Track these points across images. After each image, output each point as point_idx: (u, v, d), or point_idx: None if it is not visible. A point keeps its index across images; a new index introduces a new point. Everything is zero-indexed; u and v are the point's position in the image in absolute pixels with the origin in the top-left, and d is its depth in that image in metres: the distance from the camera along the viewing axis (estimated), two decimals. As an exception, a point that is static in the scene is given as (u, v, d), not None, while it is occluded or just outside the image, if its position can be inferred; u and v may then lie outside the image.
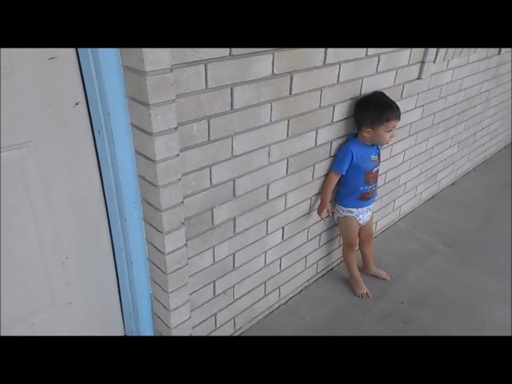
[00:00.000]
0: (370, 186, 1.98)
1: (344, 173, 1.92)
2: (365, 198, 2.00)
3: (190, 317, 1.63)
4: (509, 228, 2.69)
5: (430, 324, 1.96)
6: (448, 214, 2.85)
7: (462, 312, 2.04)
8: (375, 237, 2.56)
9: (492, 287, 2.20)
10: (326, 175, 1.95)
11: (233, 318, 1.87)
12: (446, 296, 2.13)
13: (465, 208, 2.93)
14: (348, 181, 1.96)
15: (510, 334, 1.91)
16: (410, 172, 2.62)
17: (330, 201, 2.01)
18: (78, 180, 1.37)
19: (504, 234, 2.64)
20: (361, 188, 1.96)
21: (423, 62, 2.12)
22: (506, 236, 2.62)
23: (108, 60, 1.16)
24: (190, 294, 1.61)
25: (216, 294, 1.73)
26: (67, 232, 1.41)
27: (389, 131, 1.82)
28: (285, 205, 1.83)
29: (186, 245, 1.49)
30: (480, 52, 2.67)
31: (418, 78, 2.17)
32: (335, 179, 1.95)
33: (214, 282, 1.70)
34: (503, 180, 3.31)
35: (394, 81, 2.03)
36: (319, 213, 2.00)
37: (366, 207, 2.06)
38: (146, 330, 1.68)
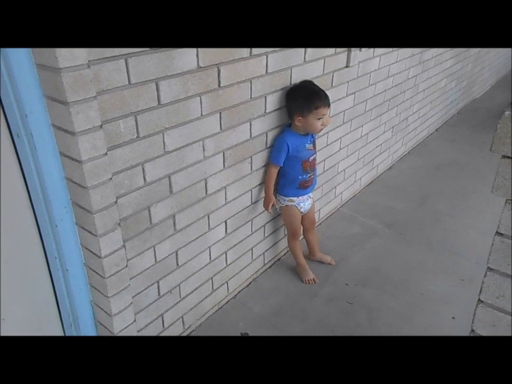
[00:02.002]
0: (308, 175, 2.02)
1: (282, 165, 1.95)
2: (304, 187, 2.04)
3: (134, 320, 1.59)
4: (441, 206, 2.85)
5: (373, 302, 2.04)
6: (387, 196, 2.98)
7: (402, 288, 2.13)
8: (320, 224, 2.63)
9: (428, 262, 2.32)
10: (265, 167, 1.97)
11: (182, 317, 1.84)
12: (387, 274, 2.23)
13: (402, 190, 3.07)
14: (286, 171, 1.99)
15: (445, 304, 2.02)
16: (348, 158, 2.70)
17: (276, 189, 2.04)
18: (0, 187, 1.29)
19: (438, 212, 2.79)
20: (300, 177, 2.00)
21: (349, 50, 2.19)
22: (439, 213, 2.78)
23: (18, 57, 1.10)
24: (133, 297, 1.57)
25: (161, 294, 1.70)
26: (-8, 244, 1.33)
27: (319, 119, 1.86)
28: (225, 198, 1.83)
29: (124, 246, 1.45)
30: (405, 40, 2.79)
31: (346, 66, 2.24)
32: (274, 172, 1.97)
33: (158, 282, 1.66)
34: (435, 161, 3.50)
35: (323, 70, 2.08)
36: (266, 207, 2.02)
37: (306, 195, 2.10)
38: (90, 338, 1.62)
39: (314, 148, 2.02)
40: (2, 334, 1.44)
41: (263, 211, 2.07)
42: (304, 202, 2.09)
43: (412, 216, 2.75)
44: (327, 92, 1.88)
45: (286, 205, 2.08)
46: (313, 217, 2.26)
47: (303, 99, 1.83)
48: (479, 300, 0.88)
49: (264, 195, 2.02)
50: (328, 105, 1.87)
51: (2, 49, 1.09)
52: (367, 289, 2.13)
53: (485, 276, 0.85)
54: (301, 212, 2.11)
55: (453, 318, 1.95)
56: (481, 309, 0.87)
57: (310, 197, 2.13)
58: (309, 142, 1.97)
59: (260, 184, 1.99)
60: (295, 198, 2.06)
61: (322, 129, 1.92)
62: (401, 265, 2.30)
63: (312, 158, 2.01)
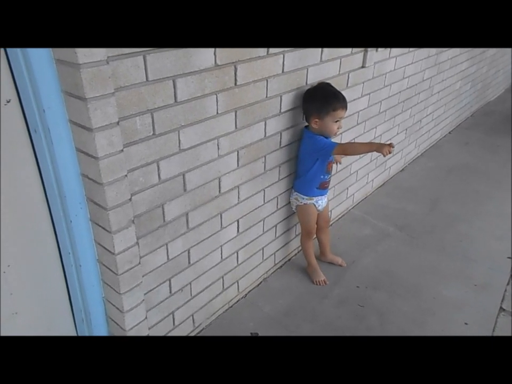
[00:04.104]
0: (329, 176, 2.01)
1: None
2: (323, 187, 2.03)
3: (146, 318, 1.59)
4: (454, 209, 2.82)
5: (384, 305, 2.02)
6: (399, 199, 2.95)
7: (414, 291, 2.11)
8: (331, 225, 2.61)
9: (440, 266, 2.29)
10: (293, 160, 1.95)
11: (192, 315, 1.84)
12: (398, 277, 2.20)
13: (414, 192, 3.04)
14: (310, 169, 1.95)
15: (458, 310, 2.00)
16: (361, 159, 2.68)
17: (289, 189, 2.06)
18: (16, 182, 1.30)
19: (450, 215, 2.76)
20: (322, 177, 1.98)
21: (366, 50, 2.17)
22: (452, 216, 2.74)
23: (38, 53, 1.10)
24: (145, 294, 1.57)
25: (172, 292, 1.69)
26: (7, 238, 1.33)
27: (336, 121, 1.84)
28: (238, 197, 1.82)
29: (137, 243, 1.45)
30: (421, 41, 2.77)
31: (362, 67, 2.22)
32: (342, 145, 1.95)
33: (170, 280, 1.66)
34: (448, 164, 3.46)
35: (339, 70, 2.06)
36: (387, 146, 1.74)
37: (324, 196, 2.09)
38: (100, 334, 1.62)
39: None
40: (14, 328, 1.45)
41: (275, 211, 2.06)
42: (322, 200, 2.08)
43: (424, 219, 2.72)
44: (342, 93, 1.86)
45: (304, 203, 2.05)
46: (328, 216, 2.24)
47: (321, 101, 1.81)
48: (500, 307, 0.86)
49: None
50: (346, 107, 1.84)
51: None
52: (378, 292, 2.11)
53: (507, 283, 0.84)
54: (318, 210, 2.09)
55: (466, 323, 1.92)
56: (503, 317, 0.86)
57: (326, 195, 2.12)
58: None
59: (272, 184, 1.98)
60: (314, 197, 2.04)
61: (337, 132, 1.89)
62: (413, 268, 2.27)
63: (333, 160, 2.01)
